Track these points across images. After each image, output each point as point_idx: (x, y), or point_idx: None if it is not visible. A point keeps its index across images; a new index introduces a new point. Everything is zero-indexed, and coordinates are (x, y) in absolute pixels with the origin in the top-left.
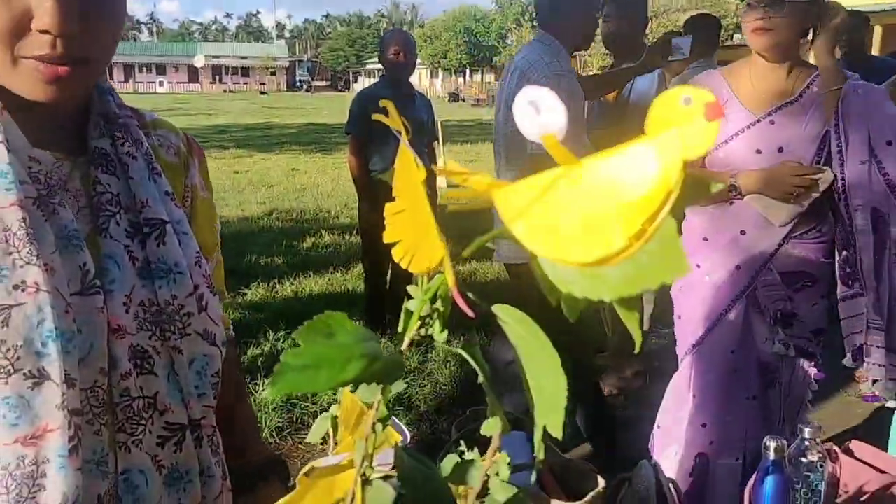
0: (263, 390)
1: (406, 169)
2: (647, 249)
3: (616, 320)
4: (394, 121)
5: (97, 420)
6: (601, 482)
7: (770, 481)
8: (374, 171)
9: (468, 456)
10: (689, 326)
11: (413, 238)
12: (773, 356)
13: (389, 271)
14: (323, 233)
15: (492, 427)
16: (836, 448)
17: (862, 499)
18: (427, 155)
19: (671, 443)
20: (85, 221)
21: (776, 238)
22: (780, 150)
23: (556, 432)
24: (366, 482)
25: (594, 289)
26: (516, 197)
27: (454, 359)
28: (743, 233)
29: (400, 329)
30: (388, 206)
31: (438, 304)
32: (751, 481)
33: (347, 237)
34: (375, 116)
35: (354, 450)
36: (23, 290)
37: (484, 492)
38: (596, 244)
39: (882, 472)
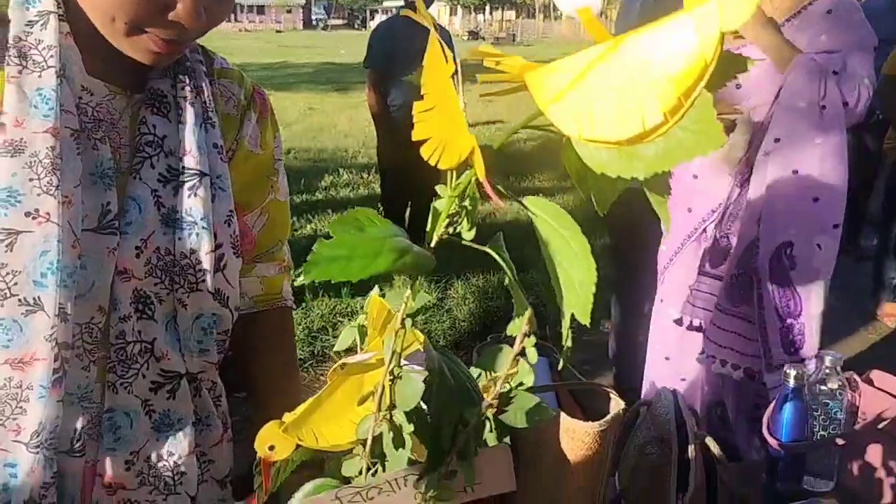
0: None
1: (435, 64)
2: (682, 125)
3: None
4: (422, 15)
5: (87, 356)
6: (620, 405)
7: (789, 408)
8: (393, 107)
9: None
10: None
11: (442, 133)
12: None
13: (408, 209)
14: (341, 171)
15: (517, 326)
16: (856, 377)
17: (880, 426)
18: None
19: (674, 371)
20: (124, 160)
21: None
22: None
23: (585, 318)
24: (394, 377)
25: (628, 167)
26: (550, 78)
27: (472, 295)
28: (695, 177)
29: (428, 229)
30: (416, 104)
31: (467, 203)
32: (770, 408)
33: (366, 176)
34: (404, 12)
35: (383, 349)
36: (34, 219)
37: (506, 401)
38: (631, 121)
39: None
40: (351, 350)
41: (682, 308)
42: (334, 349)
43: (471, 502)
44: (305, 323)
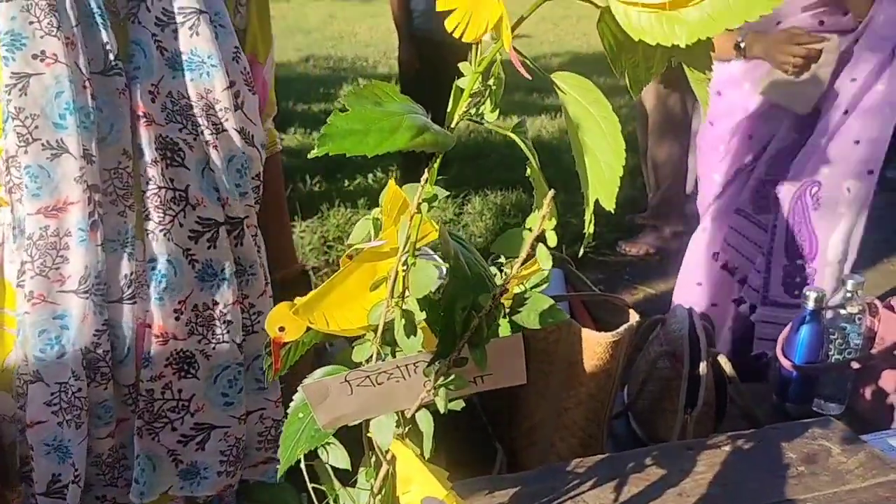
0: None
1: None
2: None
3: (658, 180)
4: None
5: (121, 202)
6: (634, 316)
7: (805, 329)
8: (416, 13)
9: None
10: (703, 187)
11: (468, 2)
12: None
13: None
14: (360, 81)
15: (535, 219)
16: (877, 302)
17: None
18: None
19: (705, 298)
20: (121, 6)
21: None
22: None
23: (609, 203)
24: (408, 264)
25: (670, 33)
26: None
27: (490, 211)
28: (749, 88)
29: (450, 109)
30: None
31: (491, 81)
32: (786, 329)
33: None
34: None
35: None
36: (41, 61)
37: (520, 302)
38: None
39: None
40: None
41: (720, 245)
42: (348, 242)
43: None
44: (321, 232)
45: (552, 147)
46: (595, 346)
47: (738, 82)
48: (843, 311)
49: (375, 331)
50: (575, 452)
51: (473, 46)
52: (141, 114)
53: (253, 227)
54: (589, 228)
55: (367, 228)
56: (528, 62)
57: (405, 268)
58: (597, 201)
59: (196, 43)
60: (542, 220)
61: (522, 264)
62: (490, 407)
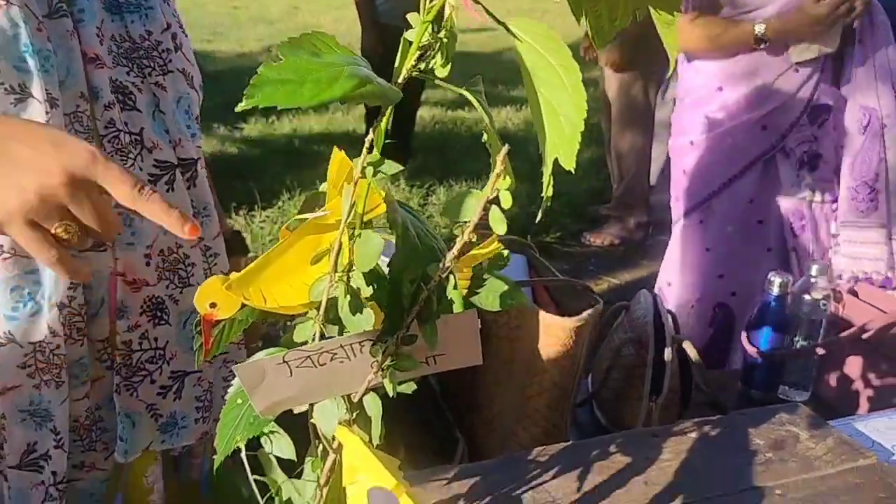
0: (273, 139)
1: None
2: None
3: (621, 170)
4: None
5: None
6: (598, 303)
7: (770, 317)
8: (379, 1)
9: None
10: (697, 182)
11: None
12: (799, 202)
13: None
14: None
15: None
16: (841, 289)
17: (863, 336)
18: None
19: (681, 298)
20: None
21: (800, 84)
22: None
23: (569, 163)
24: (352, 234)
25: None
26: None
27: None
28: (761, 83)
29: (397, 64)
30: None
31: (442, 34)
32: (751, 315)
33: None
34: None
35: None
36: None
37: (478, 283)
38: None
39: (885, 312)
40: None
41: (714, 241)
42: (293, 218)
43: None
44: (281, 222)
45: (518, 139)
46: (559, 331)
47: (747, 76)
48: (807, 297)
49: (319, 308)
50: (538, 441)
51: None
52: (92, 56)
53: (202, 171)
54: (547, 191)
55: (314, 203)
56: (481, 4)
57: (350, 240)
58: (556, 162)
59: None
60: (495, 180)
61: (474, 229)
62: (451, 395)
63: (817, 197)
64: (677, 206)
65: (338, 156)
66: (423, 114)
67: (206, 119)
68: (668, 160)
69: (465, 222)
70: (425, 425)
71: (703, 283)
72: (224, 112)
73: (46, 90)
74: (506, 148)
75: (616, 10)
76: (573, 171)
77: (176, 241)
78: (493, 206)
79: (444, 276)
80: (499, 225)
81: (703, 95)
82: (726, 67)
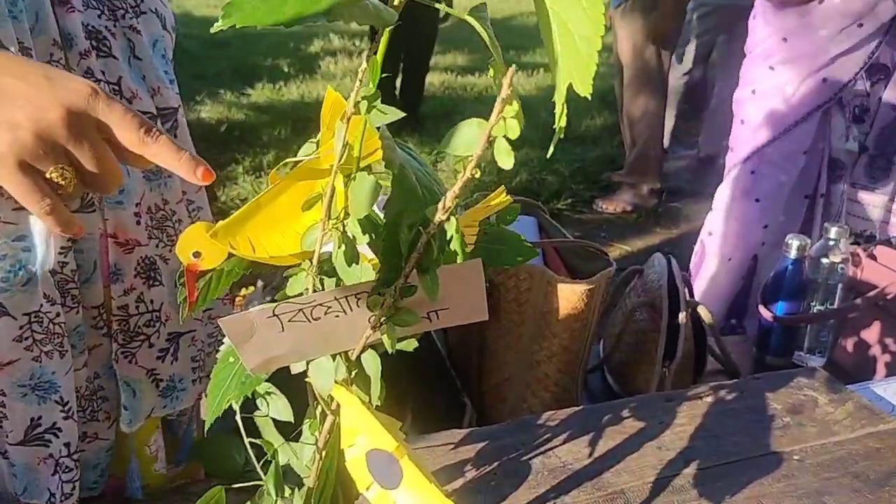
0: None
1: None
2: None
3: (634, 136)
4: None
5: None
6: (611, 266)
7: (787, 280)
8: None
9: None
10: (755, 131)
11: None
12: (844, 153)
13: (400, 75)
14: (332, 37)
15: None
16: (860, 251)
17: (880, 303)
18: None
19: (721, 249)
20: None
21: (862, 39)
22: None
23: (585, 88)
24: (346, 177)
25: None
26: None
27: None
28: (825, 35)
29: None
30: None
31: None
32: (767, 279)
33: (358, 43)
34: None
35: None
36: None
37: (487, 238)
38: None
39: None
40: None
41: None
42: (284, 162)
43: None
44: None
45: (529, 104)
46: (570, 294)
47: (812, 28)
48: (825, 261)
49: (312, 259)
50: (548, 407)
51: None
52: (60, 1)
53: (181, 119)
54: (561, 121)
55: (312, 149)
56: None
57: (344, 184)
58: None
59: None
60: (500, 106)
61: (477, 164)
62: (458, 361)
63: (856, 147)
64: (731, 157)
65: (331, 95)
66: (433, 79)
67: (213, 85)
68: (675, 123)
69: (468, 157)
70: (432, 390)
71: (747, 234)
72: (231, 77)
73: (18, 39)
74: (512, 69)
75: None
76: (589, 97)
77: (162, 196)
78: (499, 138)
79: (445, 219)
80: (505, 158)
81: (769, 46)
82: (792, 20)
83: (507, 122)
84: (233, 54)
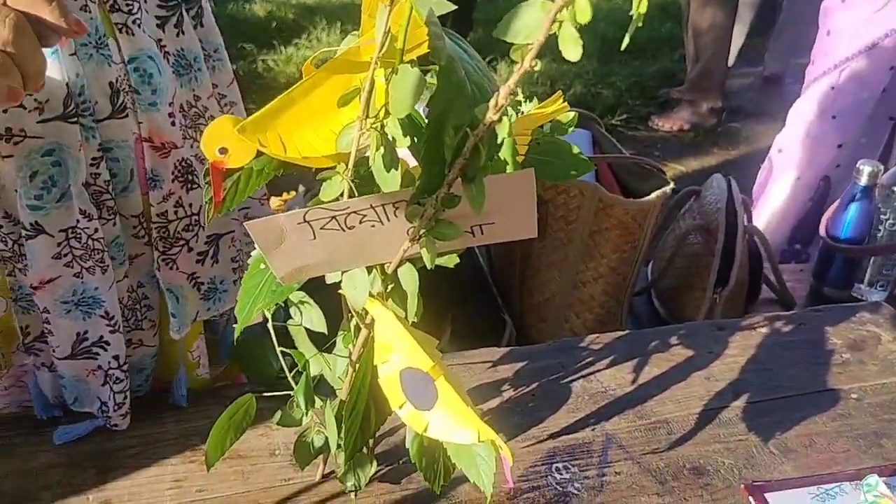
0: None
1: None
2: None
3: (698, 51)
4: None
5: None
6: (668, 185)
7: (854, 207)
8: None
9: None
10: (840, 43)
11: None
12: None
13: None
14: None
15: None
16: None
17: None
18: None
19: (790, 167)
20: None
21: None
22: None
23: None
24: (388, 71)
25: None
26: None
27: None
28: None
29: None
30: None
31: None
32: (835, 205)
33: None
34: None
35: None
36: None
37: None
38: None
39: None
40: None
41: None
42: (321, 51)
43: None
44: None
45: None
46: (622, 213)
47: None
48: None
49: (347, 161)
50: (591, 329)
51: None
52: None
53: (209, 4)
54: (640, 6)
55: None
56: None
57: (385, 79)
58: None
59: None
60: None
61: (538, 53)
62: (500, 277)
63: None
64: (811, 70)
65: None
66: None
67: None
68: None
69: (528, 45)
70: (472, 305)
71: (820, 152)
72: None
73: None
74: None
75: None
76: None
77: (193, 92)
78: (566, 23)
79: (496, 120)
80: (572, 47)
81: None
82: None
83: (577, 3)
84: None
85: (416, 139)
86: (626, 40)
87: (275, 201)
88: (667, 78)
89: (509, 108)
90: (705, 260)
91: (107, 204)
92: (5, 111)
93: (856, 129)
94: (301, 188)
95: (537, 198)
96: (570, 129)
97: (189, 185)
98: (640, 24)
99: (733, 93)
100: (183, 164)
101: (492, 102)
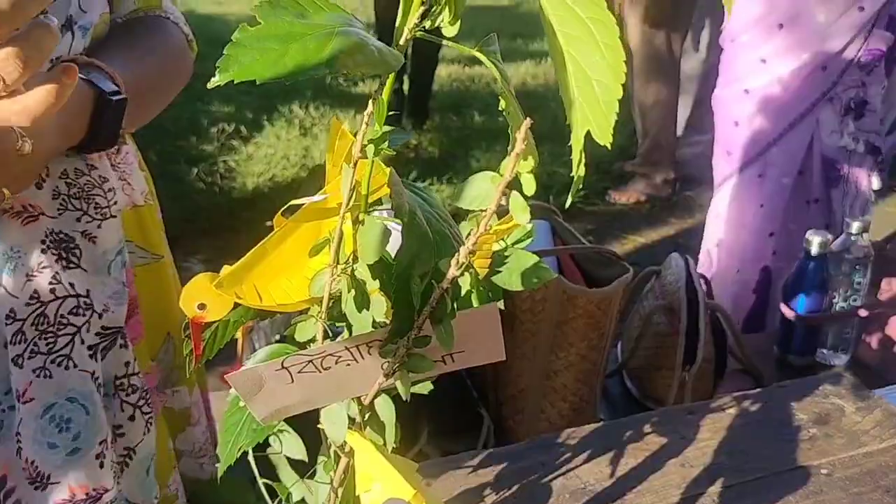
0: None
1: None
2: None
3: (646, 125)
4: None
5: None
6: (627, 271)
7: (808, 277)
8: None
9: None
10: (754, 132)
11: None
12: (838, 151)
13: (409, 70)
14: None
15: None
16: (883, 245)
17: None
18: None
19: (733, 262)
20: None
21: (861, 24)
22: None
23: (605, 137)
24: (355, 221)
25: None
26: None
27: (475, 161)
28: (824, 21)
29: (399, 22)
30: None
31: None
32: (789, 277)
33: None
34: None
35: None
36: None
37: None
38: None
39: None
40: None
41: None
42: (292, 202)
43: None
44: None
45: (538, 94)
46: (586, 303)
47: (811, 12)
48: (847, 256)
49: (320, 303)
50: (566, 418)
51: None
52: None
53: None
54: (578, 170)
55: (313, 185)
56: None
57: (352, 223)
58: (588, 135)
59: None
60: (514, 161)
61: (490, 218)
62: (474, 372)
63: (860, 147)
64: (730, 161)
65: (337, 128)
66: (440, 71)
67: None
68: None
69: (481, 211)
70: (449, 402)
71: (755, 242)
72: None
73: None
74: (527, 122)
75: None
76: (608, 147)
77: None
78: (514, 193)
79: (459, 275)
80: (521, 214)
81: (758, 34)
82: (785, 3)
83: (523, 177)
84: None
85: (384, 278)
86: (569, 200)
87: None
88: (620, 152)
89: (472, 265)
90: (671, 339)
91: None
92: None
93: (783, 215)
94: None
95: (503, 291)
96: (529, 240)
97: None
98: (580, 180)
99: (685, 162)
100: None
101: (454, 260)
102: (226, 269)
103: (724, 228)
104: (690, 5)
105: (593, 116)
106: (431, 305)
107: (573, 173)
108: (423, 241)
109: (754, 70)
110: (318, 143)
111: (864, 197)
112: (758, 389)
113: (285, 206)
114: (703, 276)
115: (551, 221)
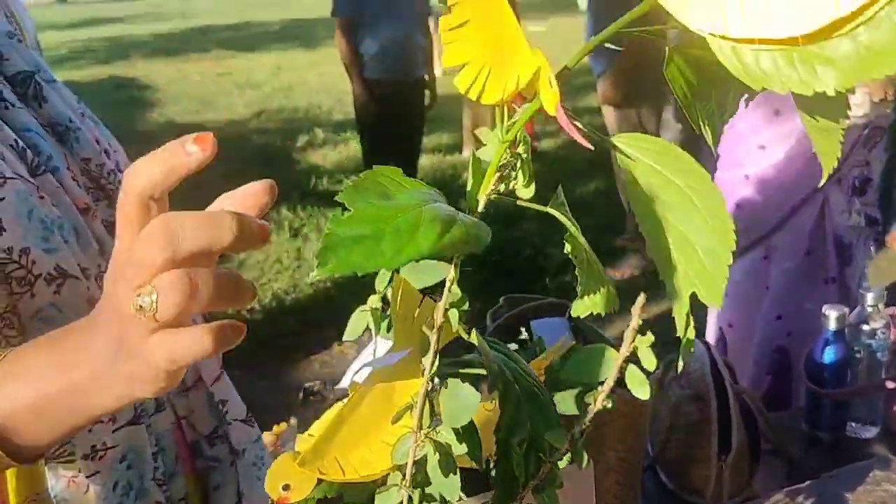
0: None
1: None
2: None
3: None
4: None
5: None
6: (653, 364)
7: (830, 352)
8: (365, 58)
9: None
10: (756, 215)
11: (486, 55)
12: (848, 230)
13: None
14: (316, 130)
15: (586, 306)
16: None
17: None
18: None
19: (746, 344)
20: None
21: (861, 104)
22: None
23: (716, 299)
24: (436, 388)
25: (809, 78)
26: None
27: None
28: None
29: (470, 187)
30: (443, 20)
31: (521, 150)
32: (810, 353)
33: (343, 133)
34: None
35: (415, 346)
36: None
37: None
38: (815, 7)
39: None
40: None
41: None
42: (343, 337)
43: None
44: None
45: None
46: (621, 405)
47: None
48: (865, 328)
49: (403, 470)
50: None
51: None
52: (83, 206)
53: None
54: (687, 333)
55: (365, 321)
56: (580, 126)
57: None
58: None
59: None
60: (632, 335)
61: (609, 394)
62: None
63: (863, 221)
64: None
65: (401, 281)
66: (421, 162)
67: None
68: None
69: (600, 384)
70: None
71: (763, 325)
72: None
73: (77, 263)
74: (642, 298)
75: (725, 103)
76: (719, 307)
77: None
78: (632, 366)
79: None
80: (640, 389)
81: (757, 120)
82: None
83: (642, 351)
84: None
85: (471, 440)
86: (680, 365)
87: (267, 436)
88: (609, 227)
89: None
90: (702, 427)
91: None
92: (90, 430)
93: (790, 298)
94: (293, 420)
95: None
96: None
97: None
98: (690, 343)
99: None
100: None
101: (562, 432)
102: (303, 443)
103: (730, 310)
104: (656, 83)
105: (700, 282)
106: (540, 479)
107: (679, 334)
108: (517, 408)
109: (754, 156)
110: (309, 244)
111: (862, 266)
112: (807, 482)
113: (353, 374)
114: (725, 360)
115: (569, 318)
